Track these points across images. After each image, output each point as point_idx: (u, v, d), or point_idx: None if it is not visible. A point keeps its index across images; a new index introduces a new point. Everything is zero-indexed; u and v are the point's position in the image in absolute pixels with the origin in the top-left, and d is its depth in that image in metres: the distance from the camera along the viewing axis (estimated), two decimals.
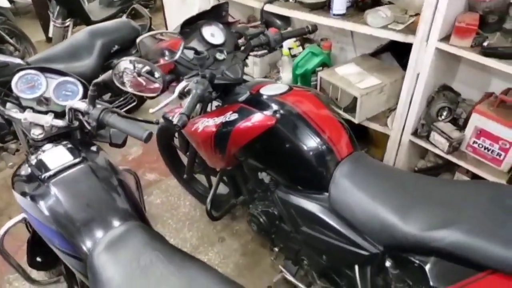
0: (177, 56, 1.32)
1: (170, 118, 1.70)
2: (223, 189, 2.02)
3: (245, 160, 1.56)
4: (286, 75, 2.29)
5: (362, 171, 1.29)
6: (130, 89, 1.27)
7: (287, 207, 1.46)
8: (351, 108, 2.01)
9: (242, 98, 1.48)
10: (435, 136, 1.84)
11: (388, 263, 1.16)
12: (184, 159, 2.27)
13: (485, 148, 1.73)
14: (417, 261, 1.06)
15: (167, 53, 1.46)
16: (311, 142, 1.33)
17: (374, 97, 1.97)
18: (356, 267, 1.33)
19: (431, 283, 0.99)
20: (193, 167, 2.15)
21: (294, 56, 2.31)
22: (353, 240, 1.25)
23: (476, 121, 1.71)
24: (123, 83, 1.25)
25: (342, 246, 1.28)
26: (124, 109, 2.89)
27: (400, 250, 1.12)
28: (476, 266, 0.95)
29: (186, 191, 2.53)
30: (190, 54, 1.45)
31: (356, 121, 2.02)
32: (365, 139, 2.37)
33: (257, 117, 1.38)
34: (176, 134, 2.15)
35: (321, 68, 2.15)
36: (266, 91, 1.46)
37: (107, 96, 2.78)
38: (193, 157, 2.06)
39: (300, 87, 1.56)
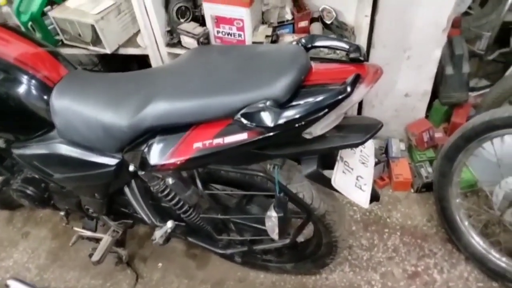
0: None
1: None
2: None
3: None
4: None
5: (78, 88, 1.15)
6: None
7: (29, 162, 1.27)
8: (98, 39, 1.82)
9: None
10: (184, 39, 1.80)
11: (131, 167, 1.09)
12: None
13: (228, 34, 1.76)
14: (143, 147, 1.00)
15: None
16: (13, 83, 1.13)
17: (115, 20, 1.82)
18: (126, 188, 1.26)
19: (151, 162, 0.95)
20: None
21: None
22: (96, 162, 1.14)
23: (209, 10, 1.71)
24: None
25: (90, 174, 1.17)
26: None
27: (133, 148, 1.05)
28: (185, 127, 0.94)
29: None
30: None
31: (108, 51, 1.86)
32: None
33: None
34: None
35: (49, 7, 1.87)
36: None
37: None
38: None
39: None
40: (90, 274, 1.79)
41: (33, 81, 1.15)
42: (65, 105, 1.12)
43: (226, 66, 0.97)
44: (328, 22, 1.79)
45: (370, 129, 0.94)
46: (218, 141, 0.88)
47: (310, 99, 0.84)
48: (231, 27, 1.73)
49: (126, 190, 1.27)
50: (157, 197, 1.20)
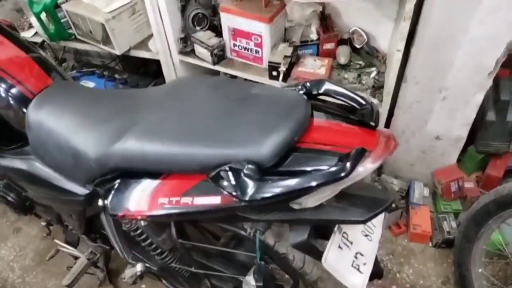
0: None
1: None
2: None
3: None
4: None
5: (56, 103, 1.03)
6: None
7: (4, 172, 1.17)
8: (108, 38, 1.72)
9: None
10: (198, 49, 1.66)
11: (100, 202, 0.95)
12: None
13: (244, 49, 1.61)
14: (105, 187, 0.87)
15: None
16: None
17: (128, 20, 1.70)
18: (102, 215, 1.14)
19: (109, 209, 0.82)
20: None
21: None
22: (66, 189, 1.02)
23: (226, 21, 1.57)
24: None
25: (61, 199, 1.06)
26: None
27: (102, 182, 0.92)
28: (154, 176, 0.80)
29: None
30: None
31: (117, 52, 1.75)
32: None
33: None
34: None
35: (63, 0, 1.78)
36: None
37: None
38: None
39: None
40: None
41: (12, 90, 1.04)
42: (40, 121, 1.00)
43: (209, 108, 0.81)
44: (358, 46, 1.60)
45: (377, 205, 0.77)
46: (186, 200, 0.73)
47: (300, 169, 0.67)
48: (248, 41, 1.57)
49: (102, 217, 1.15)
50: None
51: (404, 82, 1.51)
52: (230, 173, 0.68)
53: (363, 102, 0.76)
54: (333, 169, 0.62)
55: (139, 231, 1.03)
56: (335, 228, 0.85)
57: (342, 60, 1.58)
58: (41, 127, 0.99)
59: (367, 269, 0.86)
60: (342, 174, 0.61)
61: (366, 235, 0.90)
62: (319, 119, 0.77)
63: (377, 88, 1.49)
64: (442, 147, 1.66)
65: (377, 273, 0.96)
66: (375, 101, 1.47)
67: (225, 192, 0.69)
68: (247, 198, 0.65)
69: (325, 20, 1.60)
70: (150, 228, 0.99)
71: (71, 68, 2.33)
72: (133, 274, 1.08)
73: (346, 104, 0.78)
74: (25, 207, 1.39)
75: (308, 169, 0.67)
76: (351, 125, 0.75)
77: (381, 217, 0.95)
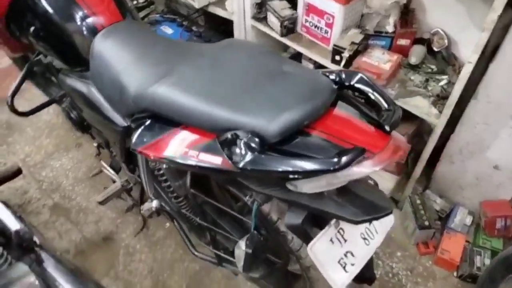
0: None
1: None
2: None
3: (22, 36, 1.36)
4: None
5: (120, 39, 1.12)
6: None
7: (68, 91, 1.32)
8: None
9: None
10: (270, 17, 1.67)
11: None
12: None
13: (315, 27, 1.58)
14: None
15: None
16: (64, 12, 1.16)
17: None
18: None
19: (132, 143, 0.90)
20: None
21: None
22: (110, 118, 1.13)
23: None
24: None
25: (106, 125, 1.18)
26: None
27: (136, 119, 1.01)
28: (175, 124, 0.85)
29: None
30: None
31: (196, 5, 1.81)
32: None
33: None
34: None
35: None
36: None
37: None
38: None
39: None
40: (109, 204, 1.88)
41: (86, 19, 1.16)
42: (102, 51, 1.10)
43: (240, 75, 0.83)
44: (436, 49, 1.48)
45: (374, 211, 0.75)
46: (193, 153, 0.78)
47: (300, 153, 0.68)
48: (320, 19, 1.54)
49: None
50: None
51: (474, 98, 1.38)
52: (232, 139, 0.70)
53: (388, 105, 0.72)
54: (325, 160, 0.62)
55: (161, 172, 1.12)
56: (332, 222, 0.84)
57: (413, 60, 1.48)
58: (102, 57, 1.10)
59: (354, 270, 0.85)
60: (332, 168, 0.60)
61: (365, 238, 0.88)
62: (341, 110, 0.76)
63: (442, 98, 1.39)
64: (500, 178, 1.51)
65: (368, 278, 0.94)
66: (434, 111, 1.37)
67: (225, 156, 0.72)
68: (239, 165, 0.68)
69: (407, 14, 1.50)
70: (169, 172, 1.06)
71: (159, 11, 2.47)
72: (150, 208, 1.17)
73: (373, 101, 0.76)
74: (83, 125, 1.56)
75: (308, 154, 0.67)
76: (369, 124, 0.73)
77: (386, 225, 0.92)
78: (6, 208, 1.16)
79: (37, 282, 0.81)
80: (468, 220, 1.65)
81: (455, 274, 1.60)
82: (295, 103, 0.72)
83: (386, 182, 1.74)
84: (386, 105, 0.72)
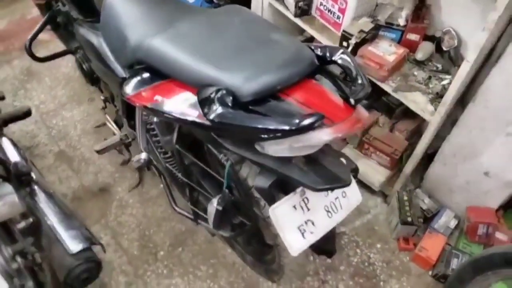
0: None
1: None
2: None
3: None
4: None
5: None
6: None
7: (81, 41, 1.39)
8: None
9: None
10: None
11: None
12: None
13: (328, 11, 1.59)
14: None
15: None
16: None
17: None
18: None
19: (123, 91, 0.95)
20: None
21: None
22: (111, 68, 1.20)
23: None
24: None
25: (108, 75, 1.24)
26: None
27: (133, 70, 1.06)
28: (164, 76, 0.90)
29: None
30: None
31: None
32: None
33: None
34: None
35: None
36: None
37: None
38: None
39: None
40: (110, 158, 1.97)
41: None
42: (113, 4, 1.16)
43: (231, 38, 0.88)
44: (445, 48, 1.48)
45: (334, 181, 0.78)
46: (173, 104, 0.83)
47: (267, 114, 0.72)
48: (334, 4, 1.55)
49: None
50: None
51: (472, 101, 1.38)
52: (208, 93, 0.75)
53: (360, 82, 0.75)
54: (286, 120, 0.66)
55: (152, 126, 1.17)
56: (298, 190, 0.88)
57: (419, 55, 1.48)
58: (112, 9, 1.15)
59: (312, 239, 0.89)
60: (291, 128, 0.64)
61: (328, 211, 0.92)
62: (318, 82, 0.79)
63: (440, 97, 1.39)
64: (489, 185, 1.51)
65: (328, 250, 0.98)
66: (430, 108, 1.38)
67: (200, 109, 0.77)
68: (209, 117, 0.72)
69: (421, 9, 1.49)
70: (159, 126, 1.12)
71: None
72: (139, 159, 1.24)
73: (348, 79, 0.79)
74: (93, 77, 1.63)
75: (273, 115, 0.71)
76: (340, 98, 0.76)
77: (352, 203, 0.95)
78: (12, 144, 1.24)
79: (18, 201, 0.87)
80: (453, 223, 1.66)
81: (430, 273, 1.62)
82: (272, 68, 0.76)
83: (378, 175, 1.76)
84: (360, 81, 0.75)
